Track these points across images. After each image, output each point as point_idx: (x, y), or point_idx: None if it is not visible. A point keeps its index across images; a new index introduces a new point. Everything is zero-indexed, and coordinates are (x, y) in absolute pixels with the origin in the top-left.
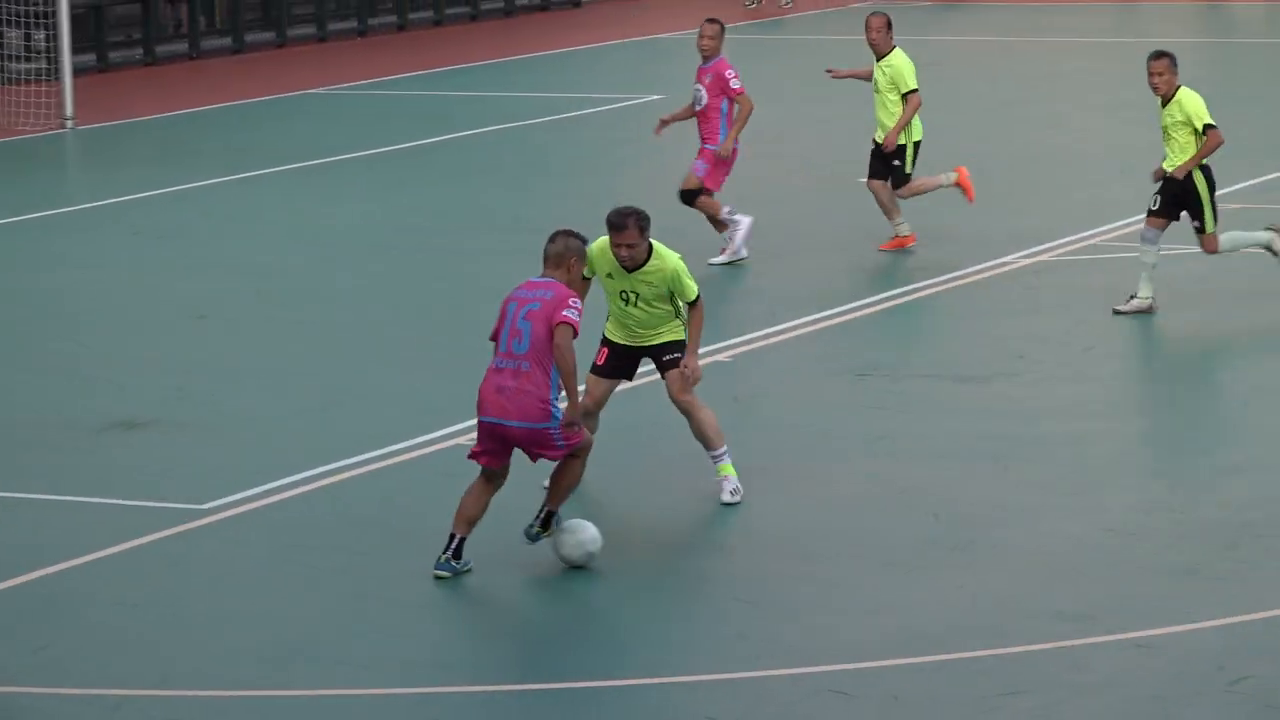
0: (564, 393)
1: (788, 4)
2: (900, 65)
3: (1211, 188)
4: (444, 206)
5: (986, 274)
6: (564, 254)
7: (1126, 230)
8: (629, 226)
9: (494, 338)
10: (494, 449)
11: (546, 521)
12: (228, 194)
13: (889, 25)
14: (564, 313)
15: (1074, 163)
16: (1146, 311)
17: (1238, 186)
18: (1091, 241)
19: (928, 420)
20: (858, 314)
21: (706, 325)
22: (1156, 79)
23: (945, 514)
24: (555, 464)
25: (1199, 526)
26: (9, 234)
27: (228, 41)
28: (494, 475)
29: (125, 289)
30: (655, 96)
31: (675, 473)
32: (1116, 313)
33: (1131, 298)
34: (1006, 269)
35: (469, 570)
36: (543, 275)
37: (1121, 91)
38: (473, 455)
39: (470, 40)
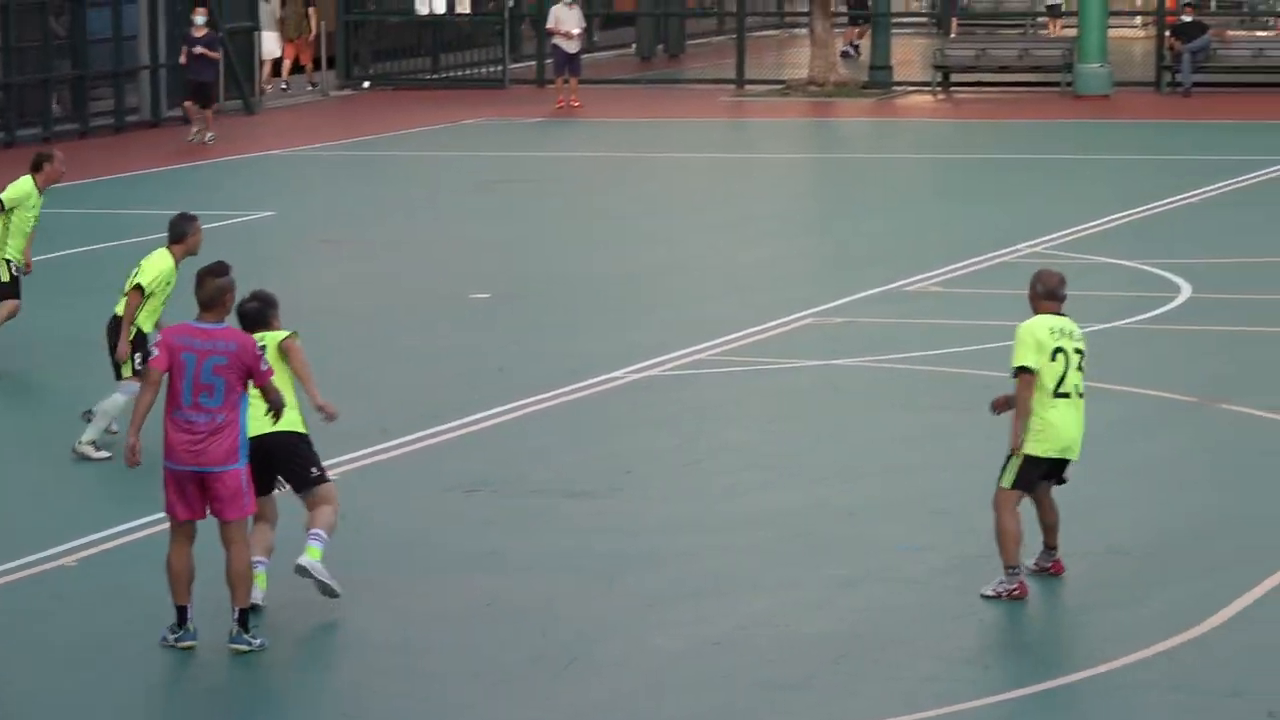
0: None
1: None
2: None
3: None
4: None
5: (597, 389)
6: (219, 292)
7: (732, 346)
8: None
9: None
10: (190, 500)
11: (244, 622)
12: None
13: None
14: (264, 368)
15: (682, 278)
16: None
17: (847, 299)
18: (698, 357)
19: (537, 536)
20: (470, 429)
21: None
22: None
23: (553, 630)
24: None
25: (808, 639)
26: None
27: None
28: (190, 530)
29: None
30: (265, 213)
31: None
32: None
33: None
34: (616, 384)
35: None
36: (201, 320)
37: (729, 208)
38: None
39: (77, 156)
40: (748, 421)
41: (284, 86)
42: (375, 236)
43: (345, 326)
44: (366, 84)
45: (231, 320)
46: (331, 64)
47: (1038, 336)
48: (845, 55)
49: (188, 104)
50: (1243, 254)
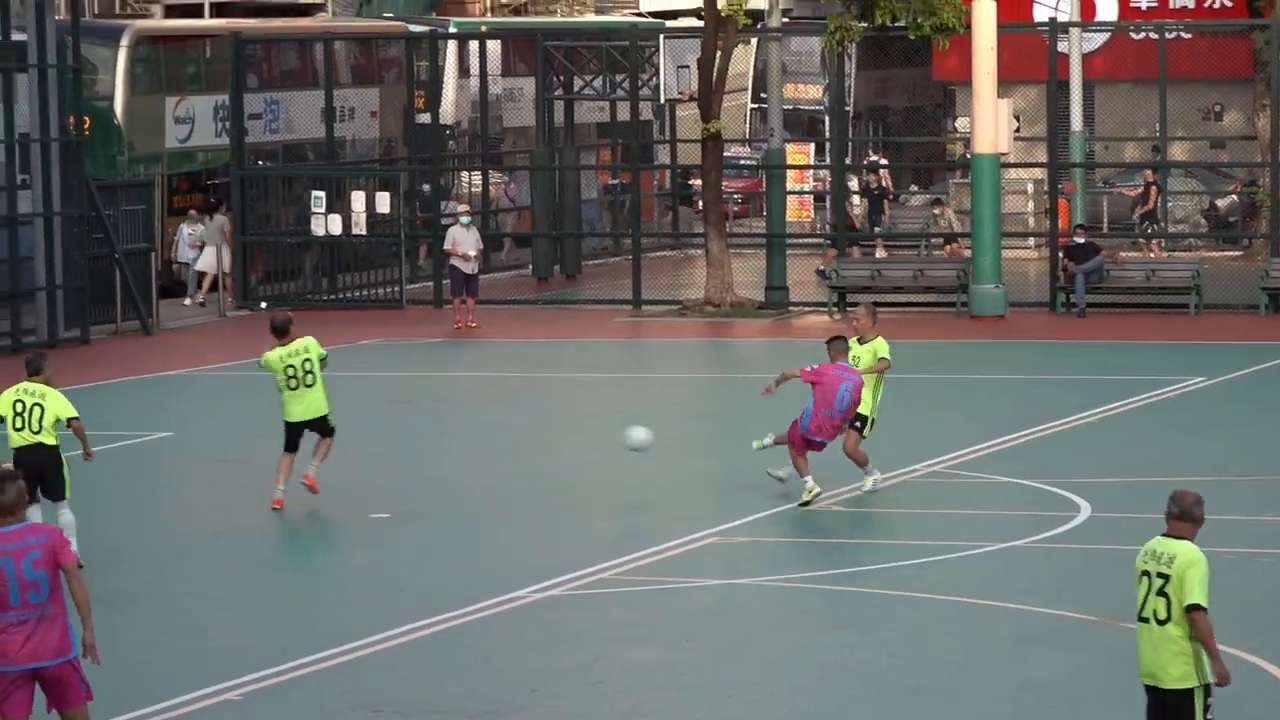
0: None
1: None
2: None
3: None
4: None
5: (500, 608)
6: (21, 497)
7: (634, 564)
8: None
9: None
10: (21, 698)
11: None
12: None
13: None
14: (71, 550)
15: (582, 497)
16: None
17: (746, 519)
18: (600, 575)
19: None
20: (373, 649)
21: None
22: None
23: None
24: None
25: None
26: None
27: None
28: None
29: None
30: (162, 434)
31: None
32: None
33: None
34: (519, 603)
35: None
36: (10, 523)
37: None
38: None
39: None
40: (652, 641)
41: (201, 303)
42: (267, 458)
43: (245, 547)
44: (264, 304)
45: None
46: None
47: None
48: (822, 275)
49: None
50: (1140, 473)
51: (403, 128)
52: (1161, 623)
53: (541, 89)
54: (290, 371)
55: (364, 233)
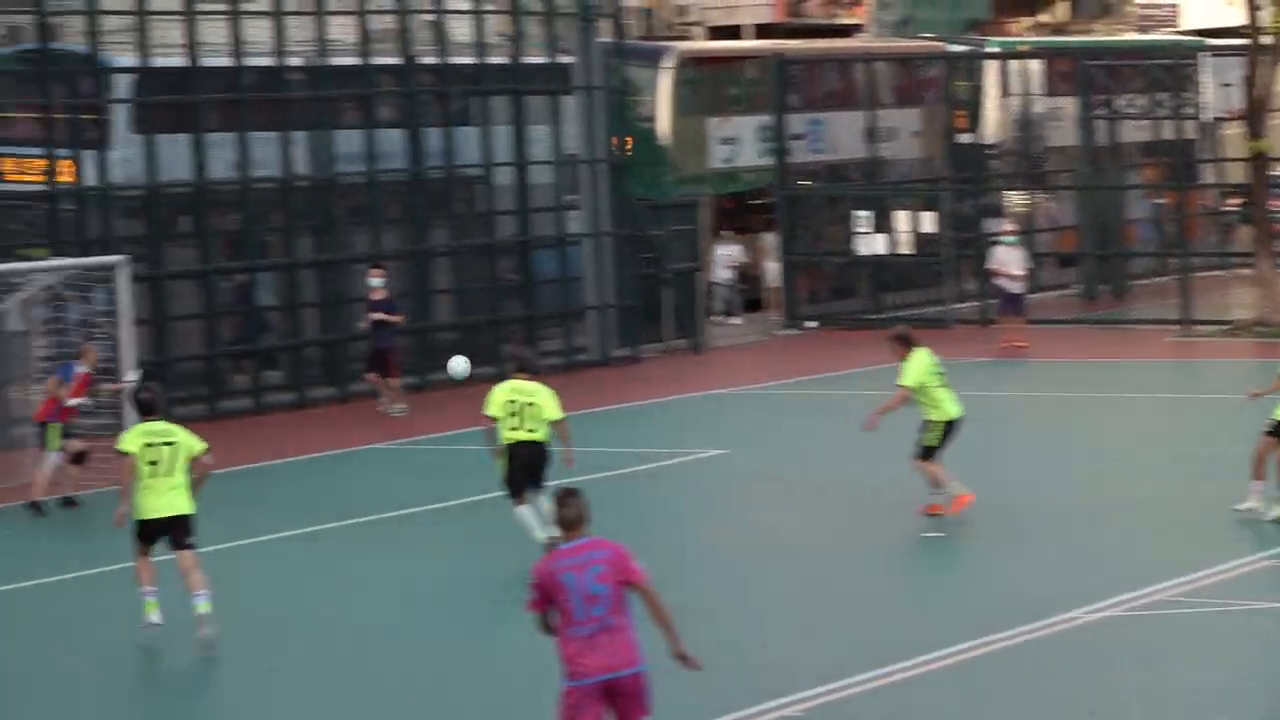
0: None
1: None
2: None
3: None
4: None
5: (1055, 628)
6: (584, 513)
7: (1189, 586)
8: None
9: (539, 608)
10: (593, 713)
11: None
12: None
13: None
14: (636, 566)
15: (1139, 515)
16: None
17: None
18: (1157, 596)
19: None
20: (925, 668)
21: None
22: None
23: None
24: None
25: None
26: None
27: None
28: None
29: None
30: (715, 451)
31: None
32: None
33: None
34: (1074, 624)
35: None
36: (572, 539)
37: (1174, 448)
38: None
39: None
40: (1208, 664)
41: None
42: (823, 476)
43: (794, 566)
44: (811, 324)
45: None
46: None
47: None
48: None
49: (369, 376)
50: None
51: (943, 148)
52: None
53: (1084, 108)
54: None
55: (909, 252)
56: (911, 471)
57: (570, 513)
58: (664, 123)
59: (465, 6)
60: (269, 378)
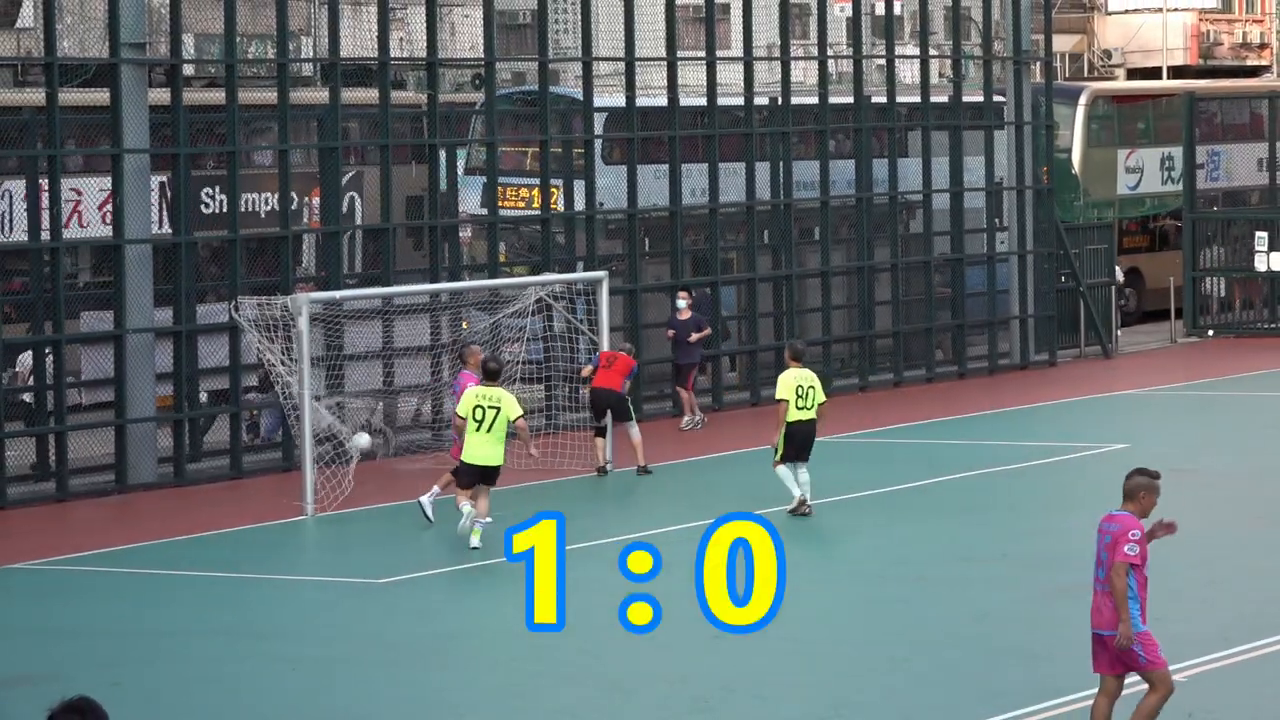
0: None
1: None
2: None
3: None
4: (942, 540)
5: None
6: (1135, 489)
7: None
8: None
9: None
10: (1102, 658)
11: None
12: None
13: None
14: (1124, 549)
15: None
16: None
17: None
18: None
19: None
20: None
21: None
22: None
23: None
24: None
25: None
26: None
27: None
28: (1110, 686)
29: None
30: (1118, 445)
31: None
32: None
33: None
34: None
35: None
36: (1120, 509)
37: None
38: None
39: (955, 395)
40: None
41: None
42: (1217, 466)
43: (1188, 546)
44: (1210, 332)
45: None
46: (1179, 314)
47: None
48: None
49: (677, 389)
50: None
51: None
52: None
53: None
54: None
55: None
56: None
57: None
58: (1077, 153)
59: (912, 52)
60: (728, 379)
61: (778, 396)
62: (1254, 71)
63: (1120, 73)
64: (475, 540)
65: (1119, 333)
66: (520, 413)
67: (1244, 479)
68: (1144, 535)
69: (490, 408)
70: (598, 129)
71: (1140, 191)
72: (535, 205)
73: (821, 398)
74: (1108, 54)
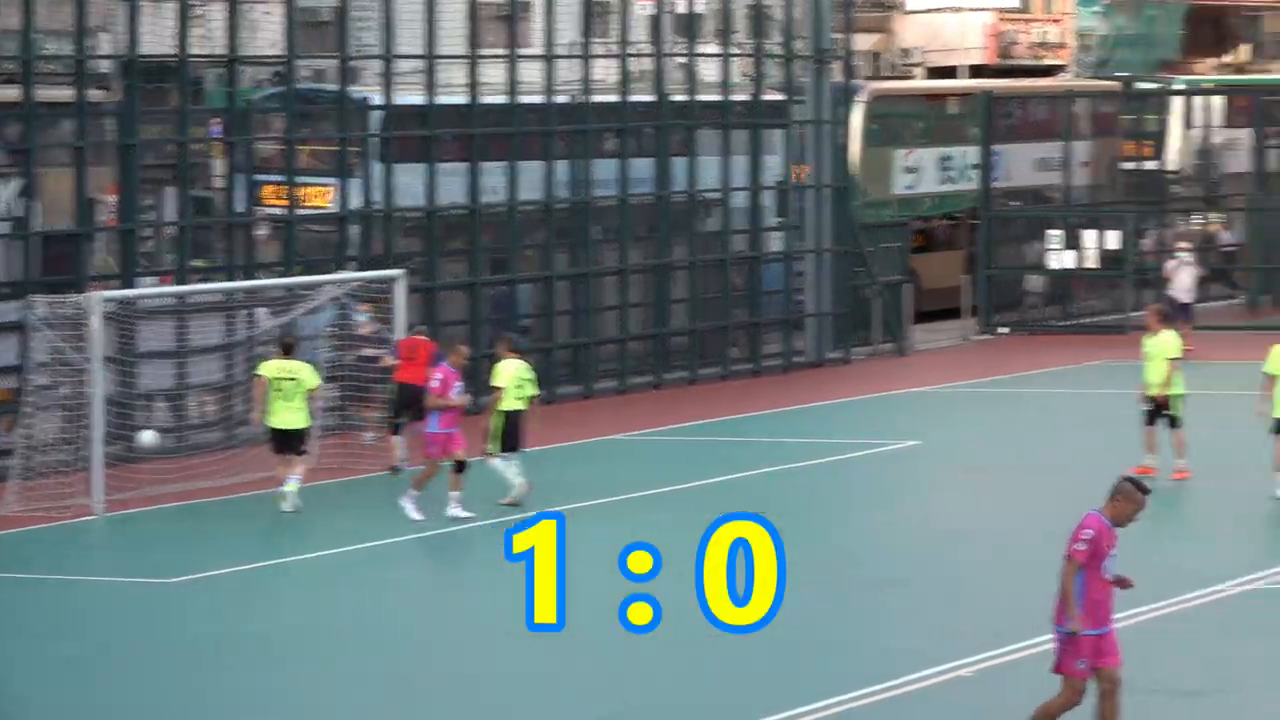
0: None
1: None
2: None
3: None
4: None
5: (1206, 600)
6: (1116, 491)
7: None
8: None
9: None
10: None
11: None
12: None
13: None
14: (1073, 545)
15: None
16: None
17: None
18: None
19: None
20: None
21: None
22: None
23: None
24: None
25: None
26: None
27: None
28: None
29: None
30: (911, 442)
31: None
32: None
33: None
34: (1221, 595)
35: None
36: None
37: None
38: None
39: (750, 393)
40: None
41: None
42: (1010, 464)
43: (979, 542)
44: (1003, 329)
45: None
46: (974, 312)
47: None
48: None
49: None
50: None
51: (1111, 176)
52: None
53: (1258, 138)
54: None
55: (1094, 266)
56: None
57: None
58: (854, 152)
59: (714, 50)
60: None
61: (495, 384)
62: (1050, 71)
63: (919, 71)
64: (287, 505)
65: (913, 330)
66: (316, 383)
67: (1033, 475)
68: (1099, 536)
69: (288, 379)
70: (374, 128)
71: (917, 191)
72: (318, 203)
73: (534, 390)
74: (907, 53)
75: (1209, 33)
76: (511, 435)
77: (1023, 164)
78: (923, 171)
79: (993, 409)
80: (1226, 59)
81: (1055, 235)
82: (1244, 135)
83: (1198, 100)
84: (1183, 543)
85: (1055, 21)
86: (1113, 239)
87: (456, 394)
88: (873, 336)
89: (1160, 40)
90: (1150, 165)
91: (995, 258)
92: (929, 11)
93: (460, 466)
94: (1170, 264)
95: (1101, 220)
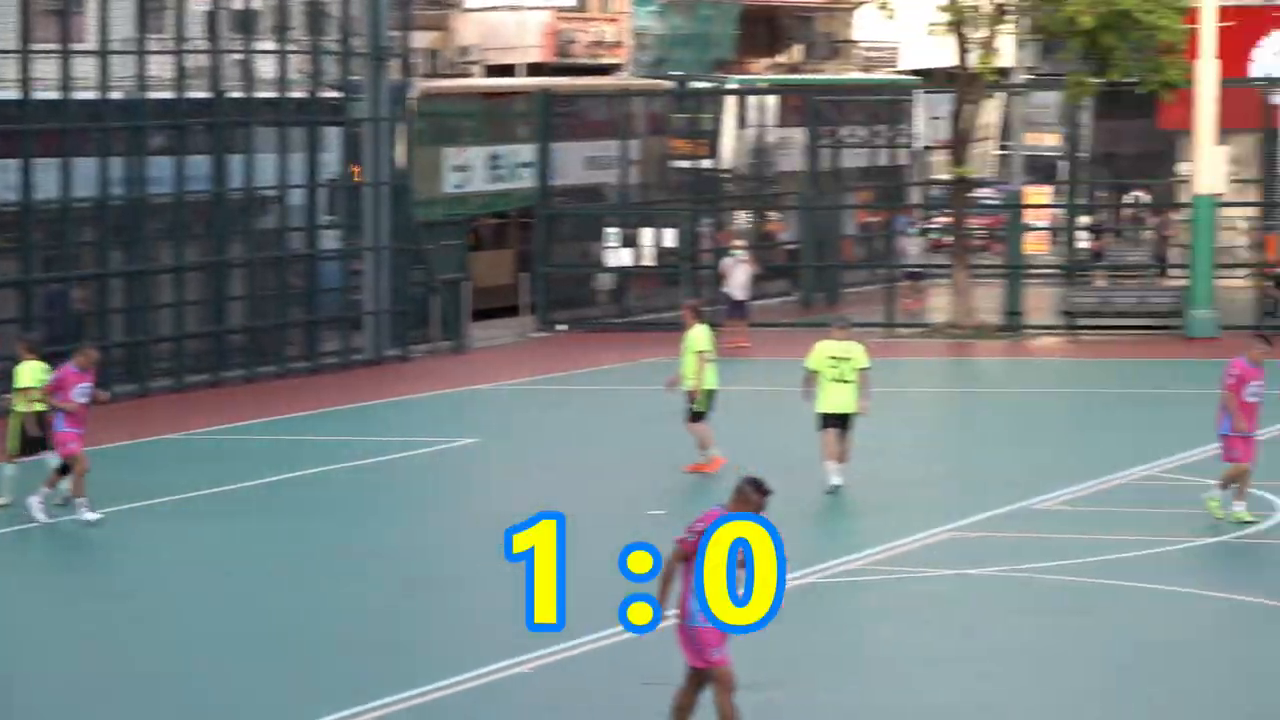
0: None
1: None
2: None
3: None
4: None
5: None
6: (735, 492)
7: (879, 556)
8: None
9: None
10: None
11: None
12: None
13: None
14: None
15: (835, 498)
16: None
17: (982, 516)
18: (850, 565)
19: None
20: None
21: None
22: None
23: None
24: None
25: None
26: None
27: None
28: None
29: None
30: (469, 440)
31: None
32: None
33: None
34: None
35: None
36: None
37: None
38: None
39: (308, 390)
40: (895, 621)
41: None
42: (565, 460)
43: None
44: (561, 327)
45: None
46: (532, 309)
47: None
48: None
49: None
50: None
51: (662, 174)
52: None
53: (811, 137)
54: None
55: (651, 263)
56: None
57: None
58: (400, 152)
59: (271, 47)
60: None
61: (18, 386)
62: (607, 70)
63: (478, 69)
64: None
65: (472, 328)
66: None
67: (593, 471)
68: (709, 526)
69: None
70: None
71: (466, 190)
72: None
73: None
74: (465, 50)
75: (763, 33)
76: (34, 438)
77: (576, 162)
78: (473, 170)
79: (551, 407)
80: (780, 59)
81: (613, 233)
82: (798, 134)
83: (752, 100)
84: None
85: (613, 21)
86: (669, 237)
87: (79, 394)
88: (431, 334)
89: (715, 40)
90: (705, 164)
91: (552, 256)
92: (487, 10)
93: (64, 469)
94: (726, 261)
95: (656, 218)
